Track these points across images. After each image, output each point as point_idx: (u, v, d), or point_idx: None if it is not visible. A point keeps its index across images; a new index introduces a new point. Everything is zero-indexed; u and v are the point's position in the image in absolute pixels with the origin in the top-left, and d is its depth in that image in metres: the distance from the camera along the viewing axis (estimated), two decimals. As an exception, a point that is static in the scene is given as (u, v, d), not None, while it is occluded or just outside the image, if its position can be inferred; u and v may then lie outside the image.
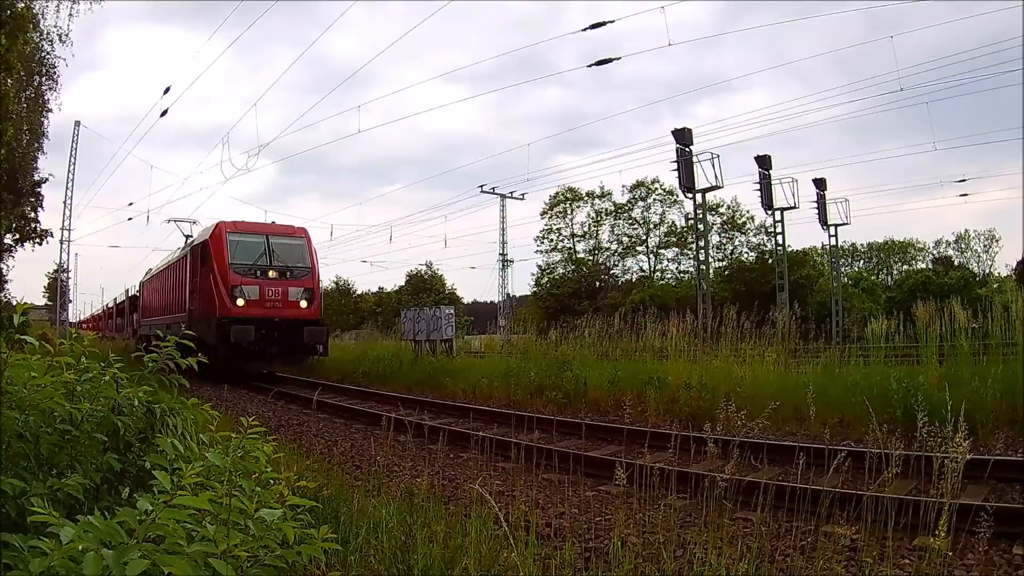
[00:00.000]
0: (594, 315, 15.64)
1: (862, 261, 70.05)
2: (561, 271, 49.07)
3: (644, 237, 49.73)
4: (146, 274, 27.45)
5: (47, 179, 21.80)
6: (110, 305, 49.74)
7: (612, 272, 50.27)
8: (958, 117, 69.61)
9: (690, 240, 41.71)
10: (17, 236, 20.71)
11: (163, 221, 24.44)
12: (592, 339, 13.30)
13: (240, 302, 15.40)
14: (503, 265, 39.95)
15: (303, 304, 16.26)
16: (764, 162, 27.39)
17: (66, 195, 29.49)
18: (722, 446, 4.31)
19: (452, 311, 18.60)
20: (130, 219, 49.11)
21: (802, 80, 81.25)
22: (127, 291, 37.14)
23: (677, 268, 49.23)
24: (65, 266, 30.85)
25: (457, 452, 7.06)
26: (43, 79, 19.37)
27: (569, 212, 50.82)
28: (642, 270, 50.23)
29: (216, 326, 14.97)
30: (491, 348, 21.71)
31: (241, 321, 14.94)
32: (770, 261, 32.77)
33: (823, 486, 4.29)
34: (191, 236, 20.77)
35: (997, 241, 66.63)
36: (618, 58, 16.39)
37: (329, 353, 17.10)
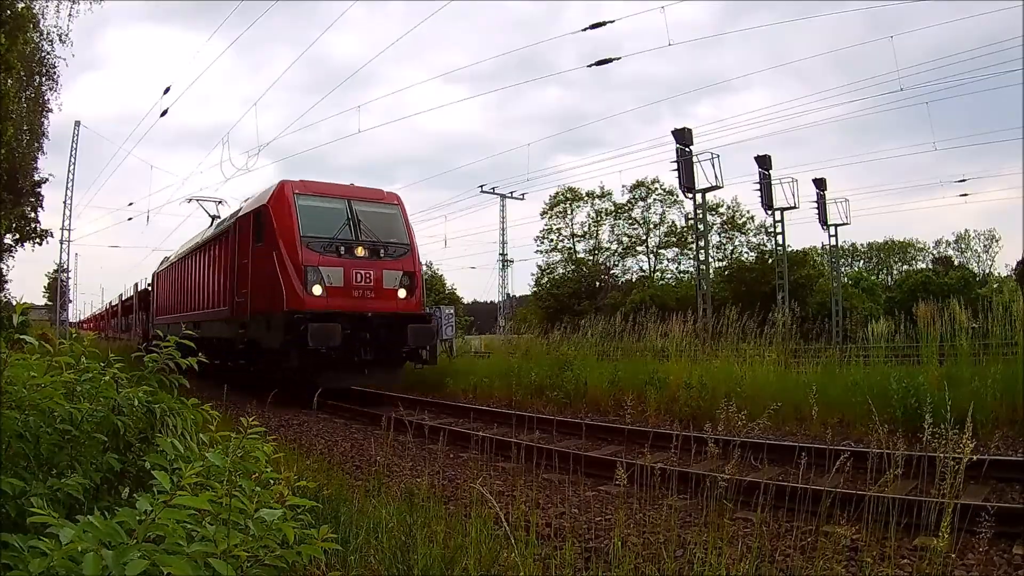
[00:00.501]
0: (595, 315, 15.45)
1: (862, 261, 70.11)
2: (561, 271, 49.10)
3: (644, 237, 49.77)
4: (161, 263, 22.57)
5: (47, 179, 21.85)
6: (114, 303, 44.49)
7: (612, 272, 50.30)
8: (958, 117, 69.84)
9: (690, 240, 41.72)
10: (17, 236, 20.71)
11: (182, 200, 19.56)
12: (595, 339, 13.29)
13: (317, 290, 10.87)
14: (503, 265, 40.00)
15: (402, 294, 11.79)
16: (764, 162, 27.41)
17: (66, 195, 29.59)
18: (722, 446, 4.31)
19: (452, 311, 18.53)
20: (130, 219, 49.32)
21: (802, 80, 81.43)
22: (135, 285, 32.25)
23: (677, 268, 49.29)
24: (65, 266, 30.89)
25: (457, 452, 7.05)
26: (43, 79, 19.41)
27: (569, 212, 50.86)
28: (642, 270, 50.29)
29: (284, 324, 10.59)
30: (492, 348, 21.71)
31: (322, 317, 10.52)
32: (770, 261, 32.79)
33: (823, 486, 4.29)
34: (218, 217, 17.14)
35: (997, 241, 66.80)
36: (618, 58, 16.44)
37: (437, 361, 12.73)
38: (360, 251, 11.53)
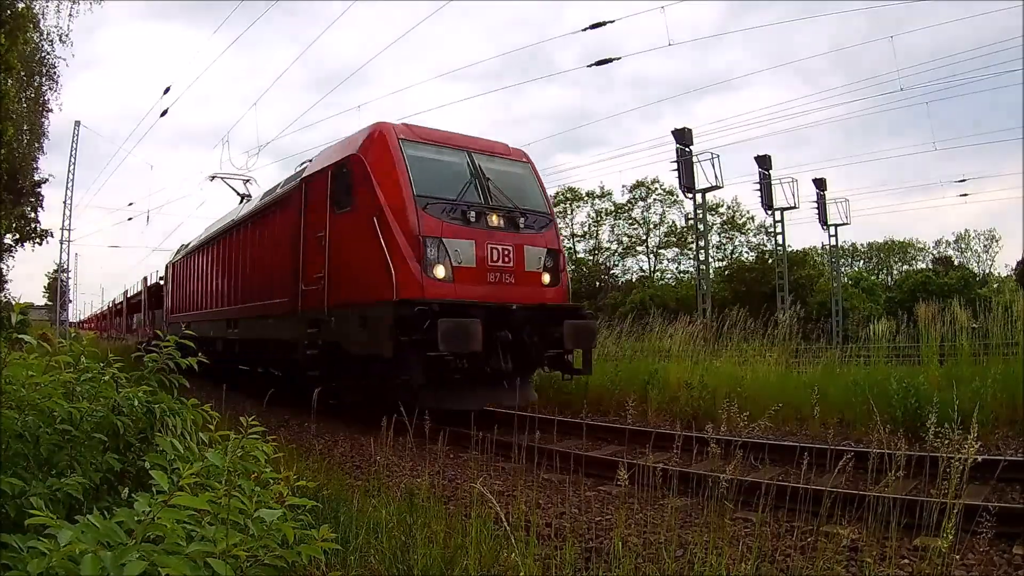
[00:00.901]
0: (598, 316, 15.40)
1: (862, 261, 70.18)
2: (561, 271, 49.08)
3: (644, 237, 49.83)
4: (177, 252, 19.03)
5: (47, 179, 21.87)
6: (118, 300, 41.10)
7: (612, 272, 50.35)
8: (958, 117, 69.94)
9: (690, 240, 41.77)
10: (17, 236, 20.72)
11: (206, 178, 16.77)
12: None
13: (440, 271, 7.79)
14: (503, 265, 39.84)
15: (546, 279, 8.75)
16: (764, 162, 27.45)
17: (66, 195, 29.58)
18: (723, 446, 4.31)
19: None
20: (130, 219, 49.19)
21: (803, 80, 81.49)
22: (144, 280, 28.85)
23: (677, 268, 49.37)
24: (65, 266, 30.90)
25: (457, 452, 7.05)
26: (43, 79, 19.42)
27: (569, 212, 50.90)
28: (642, 270, 50.40)
29: (394, 321, 7.41)
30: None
31: (452, 309, 7.39)
32: (770, 261, 32.82)
33: (824, 486, 4.29)
34: (248, 196, 14.71)
35: (997, 241, 66.85)
36: (618, 58, 16.43)
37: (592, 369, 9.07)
38: (494, 219, 8.37)
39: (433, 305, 7.34)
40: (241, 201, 14.91)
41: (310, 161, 10.35)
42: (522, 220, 8.67)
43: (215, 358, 13.46)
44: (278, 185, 11.38)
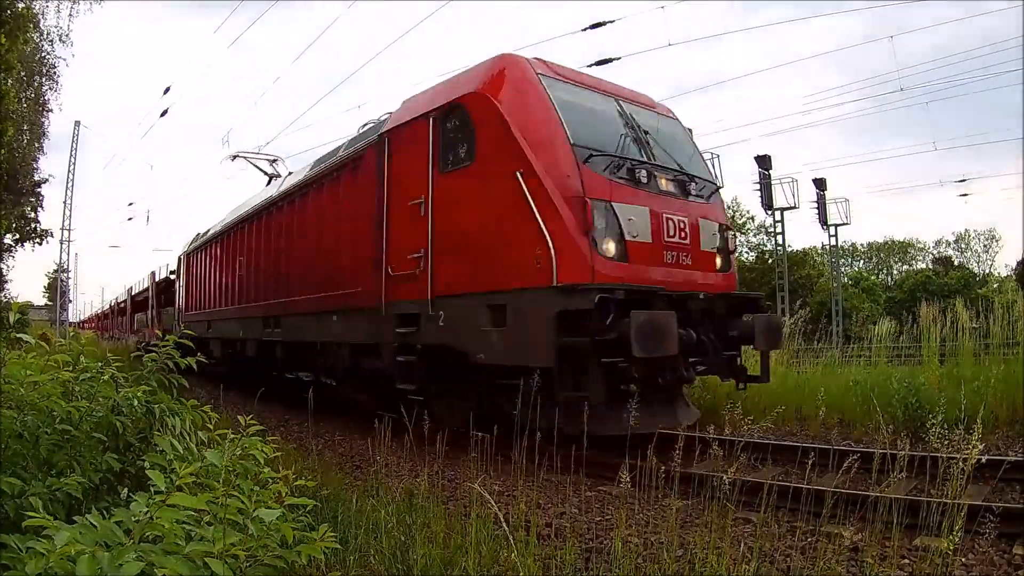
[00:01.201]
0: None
1: (862, 261, 70.20)
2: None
3: (644, 237, 49.75)
4: (193, 240, 16.50)
5: (47, 179, 21.87)
6: (121, 298, 38.75)
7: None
8: (958, 117, 69.95)
9: (690, 240, 41.82)
10: (17, 236, 20.71)
11: (225, 158, 14.60)
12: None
13: (610, 248, 5.72)
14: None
15: (718, 261, 6.93)
16: (764, 162, 27.43)
17: (66, 195, 29.59)
18: (725, 447, 4.30)
19: None
20: (130, 219, 49.11)
21: (804, 80, 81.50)
22: (152, 275, 26.18)
23: (677, 268, 49.29)
24: (65, 266, 30.91)
25: (457, 453, 7.04)
26: (43, 79, 19.42)
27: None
28: (642, 270, 50.26)
29: (555, 316, 5.46)
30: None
31: (638, 298, 5.46)
32: (770, 261, 32.83)
33: (825, 486, 4.28)
34: (278, 176, 13.18)
35: (997, 241, 66.89)
36: (618, 58, 16.33)
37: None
38: (663, 182, 6.47)
39: (617, 292, 5.40)
40: (269, 183, 13.35)
41: (386, 115, 8.18)
42: (692, 186, 6.77)
43: (245, 363, 12.10)
44: (339, 147, 9.07)
